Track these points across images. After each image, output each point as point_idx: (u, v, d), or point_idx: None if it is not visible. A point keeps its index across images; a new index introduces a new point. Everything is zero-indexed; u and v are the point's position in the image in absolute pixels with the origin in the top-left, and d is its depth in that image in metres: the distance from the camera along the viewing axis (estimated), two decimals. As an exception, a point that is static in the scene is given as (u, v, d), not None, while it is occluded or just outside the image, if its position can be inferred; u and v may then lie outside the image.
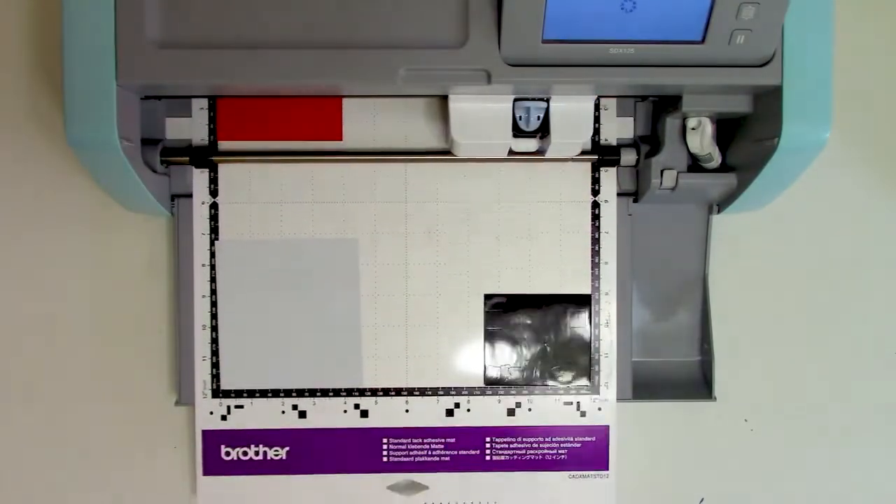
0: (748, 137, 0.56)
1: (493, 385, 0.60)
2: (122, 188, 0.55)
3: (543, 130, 0.56)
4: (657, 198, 0.59)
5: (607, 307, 0.60)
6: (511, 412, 0.60)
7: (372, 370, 0.59)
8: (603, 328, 0.60)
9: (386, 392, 0.60)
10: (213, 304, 0.59)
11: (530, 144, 0.57)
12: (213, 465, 0.60)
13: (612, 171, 0.60)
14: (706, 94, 0.54)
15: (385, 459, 0.60)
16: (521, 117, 0.55)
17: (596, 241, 0.60)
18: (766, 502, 0.64)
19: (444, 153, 0.59)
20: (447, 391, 0.60)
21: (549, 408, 0.60)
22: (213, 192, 0.59)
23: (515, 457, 0.60)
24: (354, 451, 0.60)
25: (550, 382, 0.60)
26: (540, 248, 0.60)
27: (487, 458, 0.60)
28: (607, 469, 0.61)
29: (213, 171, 0.59)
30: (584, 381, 0.60)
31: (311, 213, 0.59)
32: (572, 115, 0.55)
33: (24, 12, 0.61)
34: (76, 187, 0.61)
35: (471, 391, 0.60)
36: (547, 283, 0.60)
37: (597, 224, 0.60)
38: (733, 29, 0.48)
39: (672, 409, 0.63)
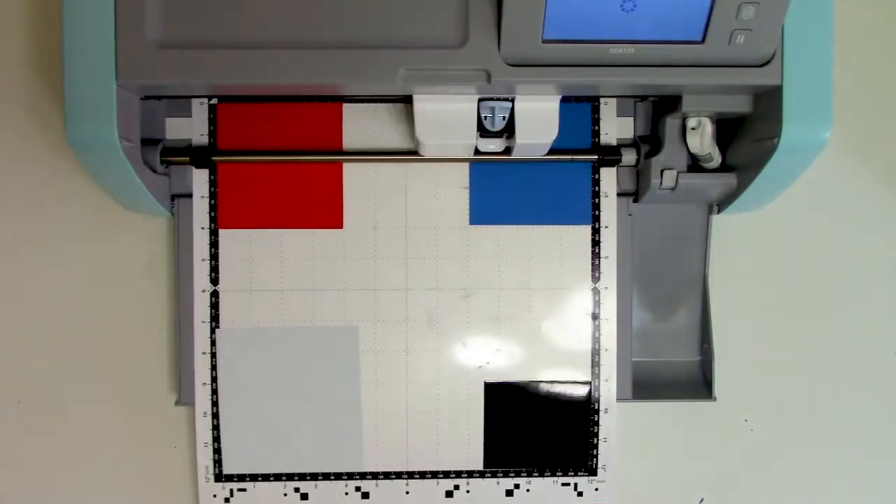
0: (748, 137, 0.56)
1: (493, 468, 0.60)
2: (122, 188, 0.55)
3: (509, 130, 0.55)
4: (657, 198, 0.59)
5: (607, 393, 0.60)
6: (510, 493, 0.61)
7: (373, 454, 0.60)
8: (602, 414, 0.60)
9: (387, 476, 0.60)
10: (214, 391, 0.59)
11: (496, 144, 0.57)
12: None
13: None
14: (706, 94, 0.54)
15: None
16: (486, 117, 0.54)
17: (597, 328, 0.60)
18: (765, 502, 0.64)
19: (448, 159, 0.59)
20: (447, 474, 0.60)
21: (547, 489, 0.61)
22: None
23: None
24: None
25: (549, 465, 0.60)
26: (540, 333, 0.60)
27: None
28: None
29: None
30: (582, 464, 0.60)
31: (312, 301, 0.59)
32: (537, 114, 0.54)
33: (24, 12, 0.61)
34: (76, 187, 0.61)
35: (470, 474, 0.60)
36: (548, 370, 0.60)
37: (597, 312, 0.60)
38: (733, 29, 0.48)
39: (672, 409, 0.63)
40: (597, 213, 0.60)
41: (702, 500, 0.64)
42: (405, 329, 0.59)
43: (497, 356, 0.60)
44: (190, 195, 0.59)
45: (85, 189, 0.61)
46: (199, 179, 0.59)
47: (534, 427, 0.60)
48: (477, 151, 0.57)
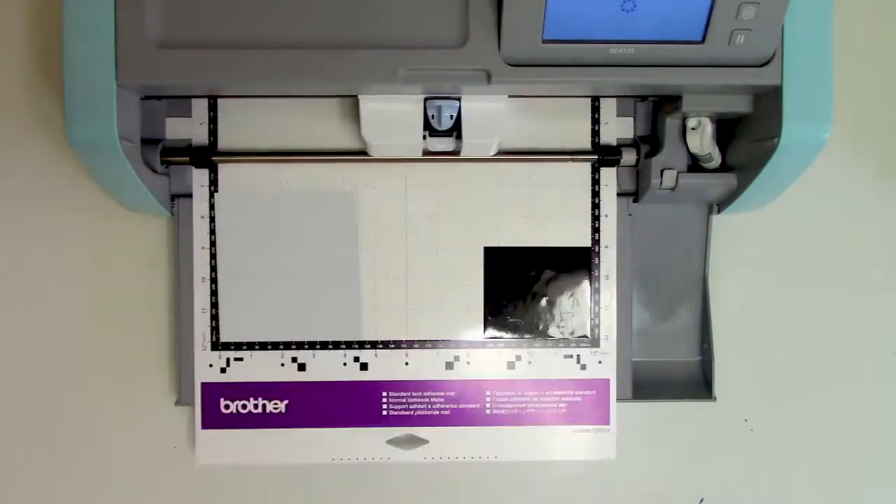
0: (748, 137, 0.56)
1: (493, 338, 0.60)
2: (122, 188, 0.55)
3: (458, 130, 0.55)
4: (657, 198, 0.59)
5: (608, 261, 0.59)
6: (511, 365, 0.60)
7: (371, 323, 0.59)
8: (603, 280, 0.59)
9: (385, 345, 0.59)
10: (213, 256, 0.58)
11: (446, 144, 0.56)
12: (212, 419, 0.59)
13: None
14: (706, 94, 0.54)
15: (385, 413, 0.59)
16: (433, 116, 0.54)
17: (596, 194, 0.59)
18: (765, 502, 0.64)
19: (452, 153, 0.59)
20: (447, 344, 0.59)
21: (549, 361, 0.60)
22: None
23: (515, 410, 0.60)
24: (354, 405, 0.59)
25: (550, 335, 0.60)
26: (540, 201, 0.59)
27: (487, 411, 0.60)
28: (608, 423, 0.60)
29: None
30: (584, 335, 0.60)
31: (310, 166, 0.58)
32: (483, 114, 0.54)
33: (24, 12, 0.61)
34: (76, 187, 0.61)
35: (470, 344, 0.60)
36: (547, 236, 0.59)
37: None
38: (733, 29, 0.48)
39: (672, 409, 0.63)
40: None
41: (702, 500, 0.64)
42: (404, 195, 0.58)
43: (497, 222, 0.59)
44: (190, 195, 0.59)
45: (85, 189, 0.61)
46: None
47: (534, 296, 0.59)
48: (426, 151, 0.57)
